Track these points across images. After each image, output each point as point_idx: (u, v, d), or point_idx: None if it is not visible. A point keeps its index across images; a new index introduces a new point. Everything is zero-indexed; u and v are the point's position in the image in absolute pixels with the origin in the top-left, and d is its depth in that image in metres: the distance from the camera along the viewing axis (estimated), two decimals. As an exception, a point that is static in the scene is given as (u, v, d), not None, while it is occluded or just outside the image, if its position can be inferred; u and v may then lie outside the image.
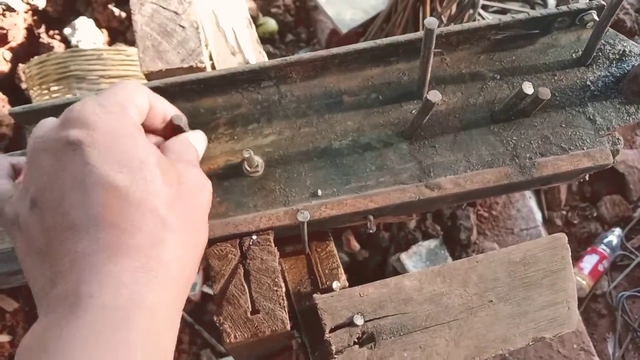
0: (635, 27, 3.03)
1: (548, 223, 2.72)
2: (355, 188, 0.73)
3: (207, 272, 2.11)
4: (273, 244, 0.71)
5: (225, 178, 0.75)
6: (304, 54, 0.76)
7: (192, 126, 0.76)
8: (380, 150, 0.75)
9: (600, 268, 2.49)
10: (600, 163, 0.73)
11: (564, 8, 0.76)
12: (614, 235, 2.56)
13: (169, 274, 0.51)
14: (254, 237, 0.71)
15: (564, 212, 2.73)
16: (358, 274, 2.41)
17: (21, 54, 2.01)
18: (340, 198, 0.72)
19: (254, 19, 2.34)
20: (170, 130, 0.68)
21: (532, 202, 2.71)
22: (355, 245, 2.30)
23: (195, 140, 0.68)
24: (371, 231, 0.77)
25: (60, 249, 0.47)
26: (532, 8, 2.54)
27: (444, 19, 1.79)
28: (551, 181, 0.77)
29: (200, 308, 2.01)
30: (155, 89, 0.76)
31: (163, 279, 0.49)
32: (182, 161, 0.61)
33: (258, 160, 0.74)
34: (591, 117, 0.75)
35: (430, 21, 0.63)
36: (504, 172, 0.72)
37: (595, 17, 0.77)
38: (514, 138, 0.74)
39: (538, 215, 2.73)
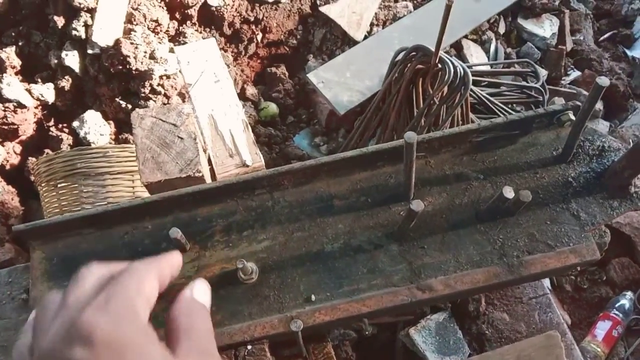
0: (629, 91, 3.11)
1: (557, 289, 2.67)
2: (348, 292, 0.75)
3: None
4: (268, 354, 0.71)
5: (221, 286, 0.76)
6: (295, 164, 0.80)
7: (189, 234, 0.79)
8: (371, 252, 0.77)
9: (615, 334, 2.41)
10: (587, 259, 0.74)
11: (540, 110, 0.80)
12: (626, 299, 2.50)
13: None
14: (249, 347, 0.72)
15: (573, 277, 2.69)
16: (366, 350, 2.36)
17: (31, 147, 2.09)
18: (334, 303, 0.73)
19: (256, 104, 2.44)
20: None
21: (540, 271, 2.67)
22: (364, 321, 2.26)
23: (200, 295, 0.62)
24: (367, 334, 0.77)
25: None
26: (525, 81, 2.62)
27: (436, 100, 1.86)
28: (540, 278, 0.78)
29: None
30: (153, 203, 0.79)
31: None
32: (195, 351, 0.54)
33: (252, 267, 0.76)
34: (575, 213, 0.77)
35: (410, 136, 0.67)
36: (493, 272, 0.73)
37: (572, 117, 0.81)
38: (501, 237, 0.76)
39: (546, 282, 2.69)
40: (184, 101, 1.88)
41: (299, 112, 2.53)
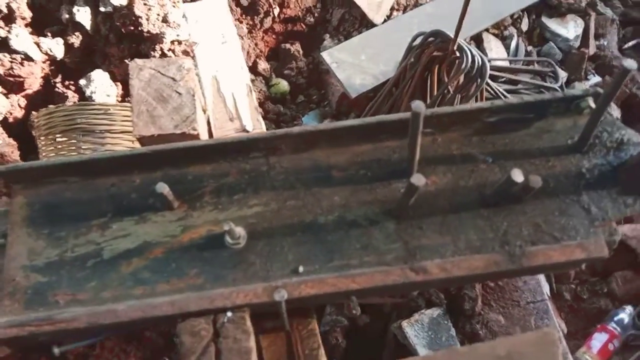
0: (649, 102, 3.03)
1: (556, 297, 2.63)
2: (338, 267, 0.71)
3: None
4: (249, 322, 0.68)
5: (206, 248, 0.73)
6: (294, 128, 0.76)
7: (178, 192, 0.75)
8: (366, 228, 0.73)
9: (611, 347, 2.38)
10: (594, 255, 0.70)
11: (558, 94, 0.76)
12: (625, 314, 2.46)
13: None
14: (229, 314, 0.68)
15: (573, 286, 2.65)
16: (357, 340, 2.33)
17: (36, 102, 2.05)
18: (322, 276, 0.70)
19: (267, 79, 2.39)
20: None
21: (540, 275, 2.63)
22: (356, 309, 2.23)
23: None
24: (355, 312, 0.74)
25: None
26: (543, 80, 2.56)
27: (451, 89, 1.80)
28: (541, 271, 0.74)
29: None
30: (142, 156, 0.75)
31: None
32: None
33: (240, 232, 0.73)
34: (586, 207, 0.73)
35: (418, 105, 0.62)
36: (493, 260, 0.69)
37: (592, 104, 0.76)
38: (505, 224, 0.72)
39: (546, 288, 2.64)
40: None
41: (310, 92, 2.47)
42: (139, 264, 0.72)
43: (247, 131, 0.94)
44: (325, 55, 2.19)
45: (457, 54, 1.76)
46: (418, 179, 0.61)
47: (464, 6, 1.43)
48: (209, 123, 0.97)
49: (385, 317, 2.49)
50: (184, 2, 1.80)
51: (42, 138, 1.47)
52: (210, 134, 0.96)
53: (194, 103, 0.84)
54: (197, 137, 0.85)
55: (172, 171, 0.77)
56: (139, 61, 0.87)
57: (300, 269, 0.71)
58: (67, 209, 0.77)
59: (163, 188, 0.69)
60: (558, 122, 0.78)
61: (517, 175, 0.65)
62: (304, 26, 2.56)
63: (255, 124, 0.95)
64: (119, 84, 2.01)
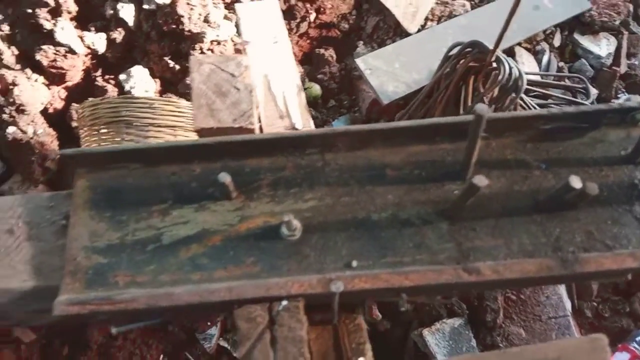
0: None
1: (577, 313, 2.61)
2: (391, 263, 0.72)
3: (224, 324, 2.07)
4: (303, 312, 0.70)
5: (262, 238, 0.75)
6: (351, 126, 0.78)
7: (236, 183, 0.78)
8: (420, 227, 0.74)
9: (632, 368, 2.35)
10: (646, 265, 0.70)
11: (614, 105, 0.77)
12: (648, 335, 2.44)
13: None
14: (284, 302, 0.70)
15: (595, 304, 2.62)
16: (377, 345, 2.33)
17: (76, 94, 2.10)
18: (375, 272, 0.71)
19: (301, 82, 2.42)
20: None
21: (562, 290, 2.61)
22: (378, 314, 2.24)
23: None
24: (402, 309, 0.75)
25: None
26: (574, 96, 2.55)
27: (486, 101, 1.81)
28: (592, 279, 0.74)
29: (214, 362, 1.96)
30: (205, 146, 0.78)
31: None
32: None
33: (297, 224, 0.74)
34: (638, 217, 0.73)
35: (482, 107, 0.64)
36: (546, 264, 0.70)
37: (646, 117, 0.77)
38: (557, 230, 0.73)
39: (568, 305, 2.62)
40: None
41: (341, 97, 2.49)
42: (198, 250, 0.75)
43: (297, 129, 0.96)
44: (359, 61, 2.21)
45: (494, 65, 1.77)
46: (480, 180, 0.62)
47: (507, 18, 1.44)
48: (259, 120, 1.00)
49: (406, 323, 2.49)
50: (235, 2, 1.83)
51: (85, 129, 1.51)
52: (261, 131, 0.98)
53: (251, 99, 0.86)
54: (253, 131, 0.87)
55: (231, 163, 0.79)
56: (199, 56, 0.90)
57: (354, 263, 0.72)
58: (128, 194, 0.79)
59: (225, 178, 0.71)
60: (612, 133, 0.79)
61: (575, 182, 0.66)
62: (338, 32, 2.59)
63: (304, 122, 0.97)
64: (157, 80, 2.06)
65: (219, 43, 2.00)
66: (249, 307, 0.70)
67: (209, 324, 2.15)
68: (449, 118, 0.76)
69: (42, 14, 1.94)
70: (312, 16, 2.49)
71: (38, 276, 0.77)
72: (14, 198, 0.83)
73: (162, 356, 2.07)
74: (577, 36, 2.94)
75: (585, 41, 2.93)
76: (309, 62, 2.55)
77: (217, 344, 2.06)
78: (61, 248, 0.77)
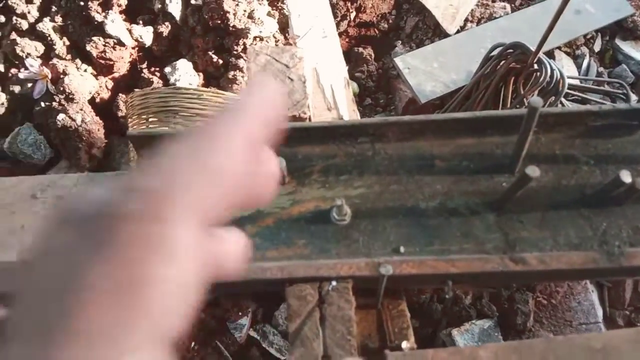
0: None
1: (609, 321, 2.57)
2: (438, 251, 0.74)
3: (255, 315, 2.11)
4: (351, 293, 0.72)
5: (313, 222, 0.78)
6: (404, 116, 0.80)
7: (289, 169, 0.81)
8: (467, 217, 0.76)
9: (665, 381, 2.31)
10: (694, 263, 0.71)
11: (666, 104, 0.77)
12: (683, 348, 2.38)
13: None
14: (334, 282, 0.73)
15: (627, 312, 2.58)
16: (405, 344, 2.33)
17: (122, 85, 2.18)
18: (422, 258, 0.73)
19: (338, 79, 2.46)
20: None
21: (594, 297, 2.58)
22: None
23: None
24: (447, 297, 0.77)
25: None
26: (613, 102, 2.52)
27: (526, 102, 1.81)
28: (637, 274, 0.75)
29: (244, 351, 2.01)
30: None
31: None
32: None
33: (347, 209, 0.77)
34: (687, 215, 0.74)
35: (536, 100, 0.66)
36: (591, 257, 0.71)
37: (698, 117, 0.77)
38: (604, 224, 0.74)
39: (599, 312, 2.59)
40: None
41: (377, 95, 2.52)
42: (252, 230, 0.78)
43: (344, 121, 0.98)
44: (398, 60, 2.23)
45: (536, 67, 1.77)
46: (533, 170, 0.64)
47: (552, 20, 1.44)
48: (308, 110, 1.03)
49: (434, 323, 2.50)
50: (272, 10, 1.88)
51: (134, 117, 1.57)
52: (310, 121, 1.01)
53: (305, 89, 0.89)
54: (306, 120, 0.90)
55: (284, 149, 0.82)
56: (255, 47, 0.94)
57: (402, 249, 0.75)
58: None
59: (281, 162, 0.75)
60: (662, 132, 0.80)
61: (626, 176, 0.67)
62: (377, 31, 2.62)
63: (351, 114, 0.99)
64: (200, 73, 2.11)
65: (261, 39, 2.04)
66: (300, 285, 0.73)
67: (239, 313, 2.19)
68: (502, 111, 0.78)
69: (94, 6, 2.01)
70: (353, 15, 2.52)
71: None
72: (78, 175, 0.88)
73: (193, 343, 2.12)
74: (618, 41, 2.90)
75: (627, 47, 2.89)
76: (347, 61, 2.59)
77: (247, 334, 2.10)
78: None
